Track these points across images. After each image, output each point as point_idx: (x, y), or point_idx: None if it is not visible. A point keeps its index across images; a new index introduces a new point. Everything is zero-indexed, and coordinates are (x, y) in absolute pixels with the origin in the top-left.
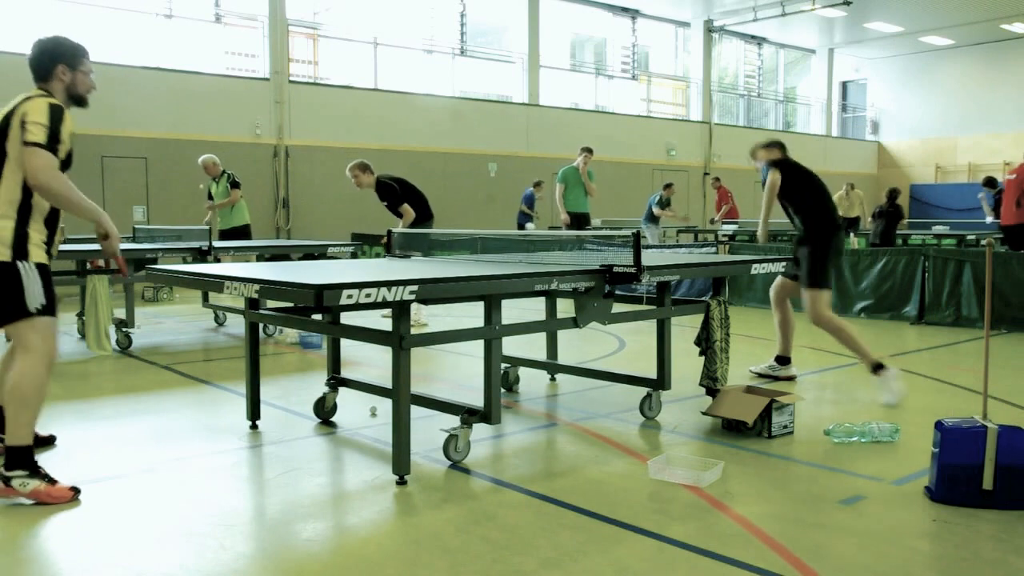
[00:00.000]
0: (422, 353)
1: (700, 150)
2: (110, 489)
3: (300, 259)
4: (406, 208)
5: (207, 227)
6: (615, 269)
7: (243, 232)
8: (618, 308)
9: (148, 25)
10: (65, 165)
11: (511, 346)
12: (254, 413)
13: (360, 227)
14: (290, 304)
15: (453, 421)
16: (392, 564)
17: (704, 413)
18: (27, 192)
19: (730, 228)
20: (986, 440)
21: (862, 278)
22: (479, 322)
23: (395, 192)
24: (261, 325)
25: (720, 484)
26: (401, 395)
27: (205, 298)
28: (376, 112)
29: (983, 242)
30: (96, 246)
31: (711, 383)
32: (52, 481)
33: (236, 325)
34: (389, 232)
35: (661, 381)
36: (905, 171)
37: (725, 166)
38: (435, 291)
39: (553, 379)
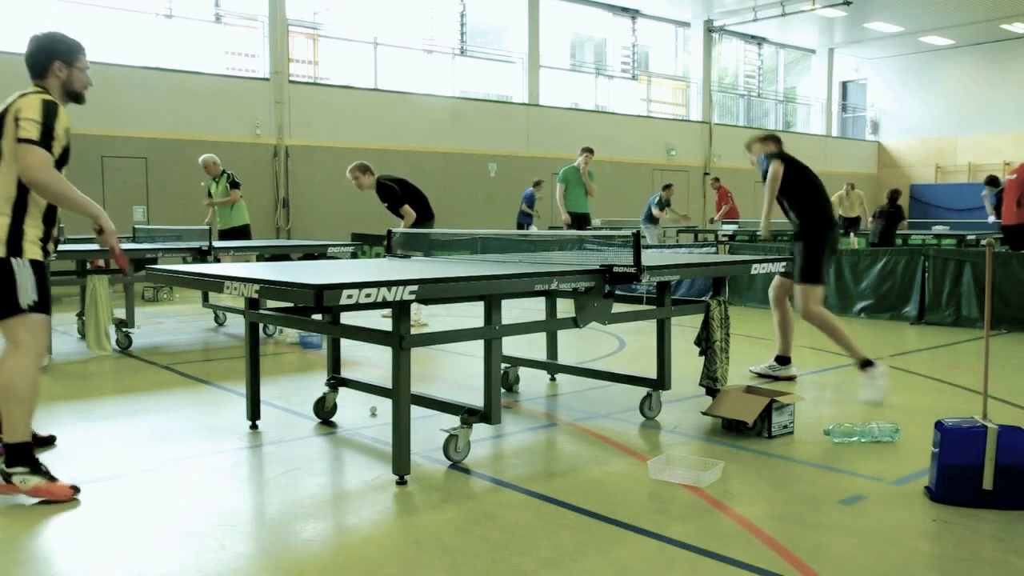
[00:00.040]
0: (422, 353)
1: (700, 150)
2: (110, 489)
3: (300, 259)
4: (407, 209)
5: (207, 227)
6: (615, 269)
7: (243, 232)
8: (618, 308)
9: (148, 25)
10: (62, 161)
11: (511, 346)
12: (254, 413)
13: (360, 227)
14: (290, 304)
15: (453, 421)
16: (392, 564)
17: (704, 413)
18: (23, 189)
19: (730, 228)
20: (986, 440)
21: (862, 278)
22: (479, 322)
23: (395, 193)
24: (261, 325)
25: (720, 484)
26: (401, 395)
27: (205, 298)
28: (376, 112)
29: (983, 242)
30: (96, 246)
31: (711, 383)
32: (52, 479)
33: (236, 325)
34: (389, 232)
35: (661, 381)
36: (905, 171)
37: (725, 166)
38: (435, 291)
39: (553, 379)
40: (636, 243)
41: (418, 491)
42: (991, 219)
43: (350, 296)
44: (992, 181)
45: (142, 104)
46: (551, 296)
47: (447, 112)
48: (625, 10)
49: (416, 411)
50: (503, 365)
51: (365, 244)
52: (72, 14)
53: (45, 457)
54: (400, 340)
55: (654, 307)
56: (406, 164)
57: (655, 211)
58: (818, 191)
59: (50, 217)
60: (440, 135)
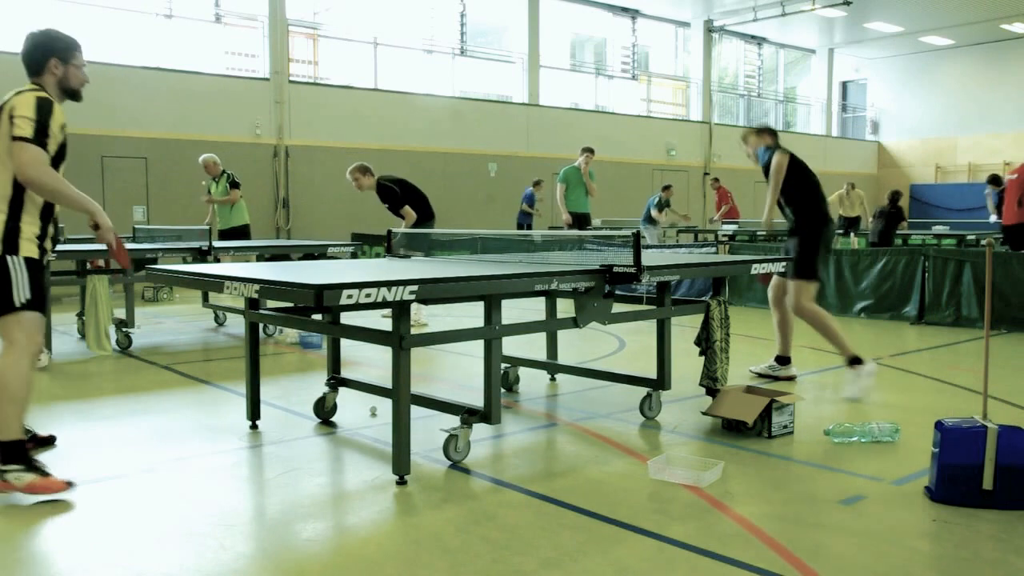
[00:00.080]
0: (422, 353)
1: (700, 150)
2: (110, 489)
3: (300, 259)
4: (407, 210)
5: (207, 227)
6: (615, 269)
7: (243, 232)
8: (618, 308)
9: (148, 25)
10: (58, 158)
11: (511, 346)
12: (254, 413)
13: (360, 227)
14: (290, 304)
15: (453, 421)
16: (392, 564)
17: (704, 413)
18: (19, 187)
19: (730, 228)
20: (986, 440)
21: (862, 278)
22: (479, 322)
23: (395, 194)
24: (261, 325)
25: (720, 484)
26: (401, 395)
27: (205, 298)
28: (376, 112)
29: (983, 242)
30: (96, 246)
31: (711, 383)
32: (46, 474)
33: (236, 325)
34: (389, 232)
35: (661, 381)
36: (905, 171)
37: (725, 166)
38: (435, 291)
39: (553, 379)
40: (636, 243)
41: (418, 491)
42: (992, 218)
43: (350, 296)
44: (995, 180)
45: (142, 104)
46: (551, 296)
47: (447, 112)
48: (625, 10)
49: (416, 411)
50: (503, 365)
51: (365, 244)
52: (72, 14)
53: (45, 457)
54: (400, 340)
55: (654, 307)
56: (406, 164)
57: (654, 212)
58: (815, 188)
59: (47, 214)
60: (440, 135)
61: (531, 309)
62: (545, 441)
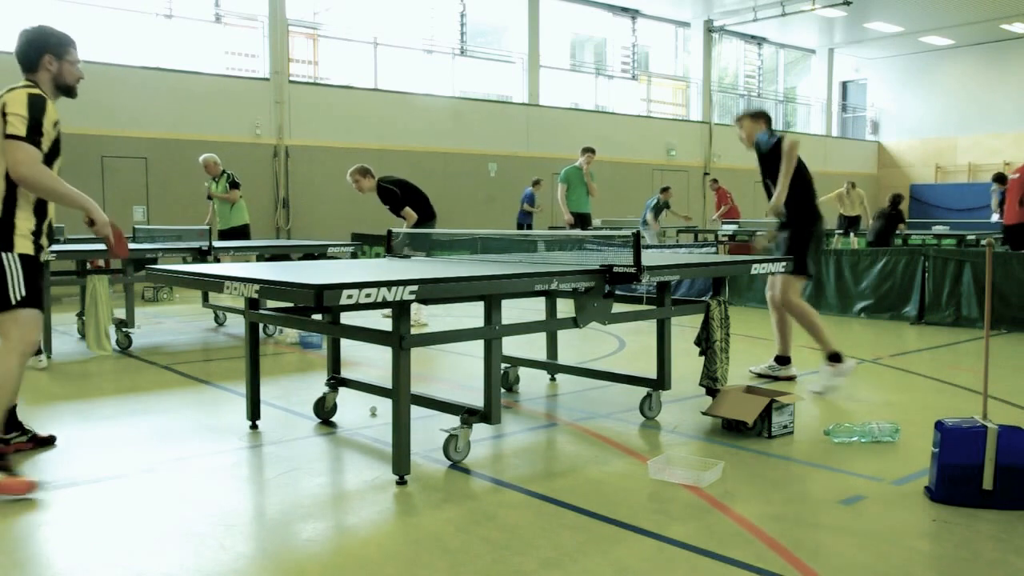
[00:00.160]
0: (422, 353)
1: (700, 150)
2: (110, 489)
3: (300, 259)
4: (408, 211)
5: (207, 227)
6: (615, 269)
7: (243, 232)
8: (618, 308)
9: (148, 25)
10: (52, 155)
11: (511, 346)
12: (254, 413)
13: (360, 227)
14: (290, 304)
15: (453, 421)
16: (392, 564)
17: (704, 413)
18: (11, 183)
19: (730, 228)
20: (986, 440)
21: (862, 278)
22: (479, 322)
23: (396, 196)
24: (261, 325)
25: (720, 484)
26: (401, 395)
27: (205, 298)
28: (376, 112)
29: (983, 242)
30: (96, 246)
31: (711, 383)
32: (13, 474)
33: (236, 325)
34: (389, 232)
35: (661, 381)
36: (905, 171)
37: (725, 166)
38: (435, 291)
39: (553, 379)
40: (636, 243)
41: (418, 491)
42: (994, 217)
43: (350, 296)
44: (1000, 178)
45: (142, 104)
46: (551, 296)
47: (447, 112)
48: (625, 10)
49: (416, 411)
50: (503, 365)
51: (365, 244)
52: (72, 14)
53: (45, 457)
54: (400, 340)
55: (654, 307)
56: (406, 164)
57: (648, 216)
58: (809, 184)
59: (41, 210)
60: (440, 135)
61: (531, 309)
62: (545, 441)
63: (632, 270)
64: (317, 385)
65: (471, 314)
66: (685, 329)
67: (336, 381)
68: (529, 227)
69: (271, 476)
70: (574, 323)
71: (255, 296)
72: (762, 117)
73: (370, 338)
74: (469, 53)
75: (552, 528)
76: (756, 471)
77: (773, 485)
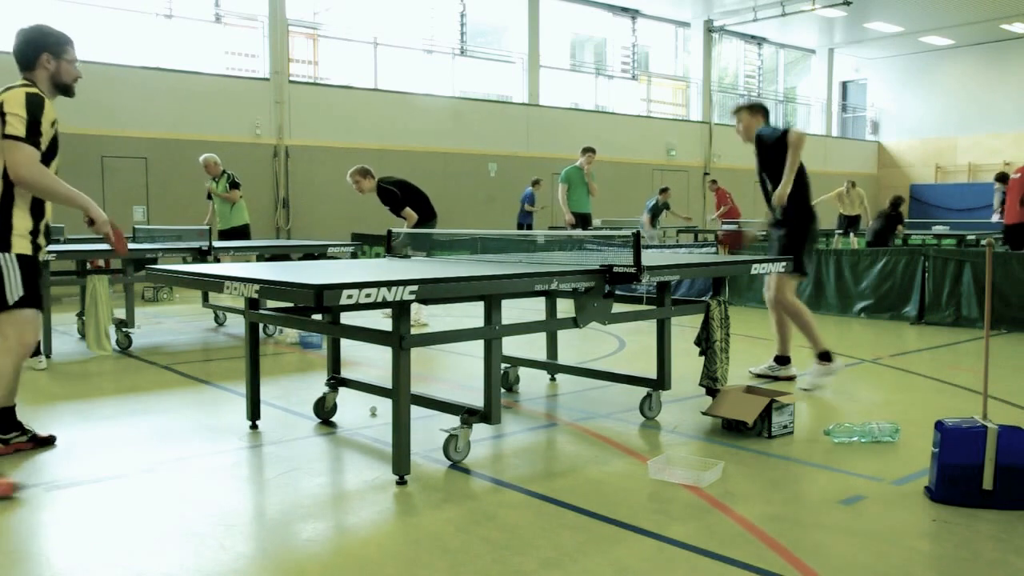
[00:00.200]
0: (422, 353)
1: (700, 150)
2: (110, 489)
3: (300, 259)
4: (408, 212)
5: (207, 227)
6: (615, 269)
7: (243, 232)
8: (618, 308)
9: (148, 25)
10: (50, 154)
11: (511, 346)
12: (254, 413)
13: (360, 227)
14: (290, 304)
15: (453, 421)
16: (392, 564)
17: (704, 413)
18: (9, 183)
19: (730, 228)
20: (986, 440)
21: (862, 278)
22: (479, 322)
23: (396, 196)
24: (261, 325)
25: (720, 484)
26: (401, 395)
27: (205, 298)
28: (376, 112)
29: (983, 242)
30: (96, 246)
31: (711, 383)
32: None
33: (236, 325)
34: (389, 232)
35: (661, 381)
36: (905, 171)
37: (725, 166)
38: (435, 291)
39: (553, 379)
40: (636, 243)
41: (418, 491)
42: (995, 217)
43: (350, 296)
44: (1003, 178)
45: (142, 104)
46: (551, 296)
47: (447, 112)
48: (625, 10)
49: (416, 411)
50: (503, 365)
51: (365, 244)
52: (72, 14)
53: (45, 457)
54: (400, 340)
55: (654, 307)
56: (406, 164)
57: (644, 218)
58: (805, 182)
59: (38, 209)
60: (440, 135)
61: (531, 309)
62: (545, 441)
63: (632, 270)
64: (317, 385)
65: (471, 314)
66: (685, 329)
67: (336, 381)
68: (529, 227)
69: (271, 476)
70: (574, 323)
71: (255, 296)
72: (760, 110)
73: (370, 338)
74: (469, 53)
75: (552, 528)
76: (756, 471)
77: (773, 485)
